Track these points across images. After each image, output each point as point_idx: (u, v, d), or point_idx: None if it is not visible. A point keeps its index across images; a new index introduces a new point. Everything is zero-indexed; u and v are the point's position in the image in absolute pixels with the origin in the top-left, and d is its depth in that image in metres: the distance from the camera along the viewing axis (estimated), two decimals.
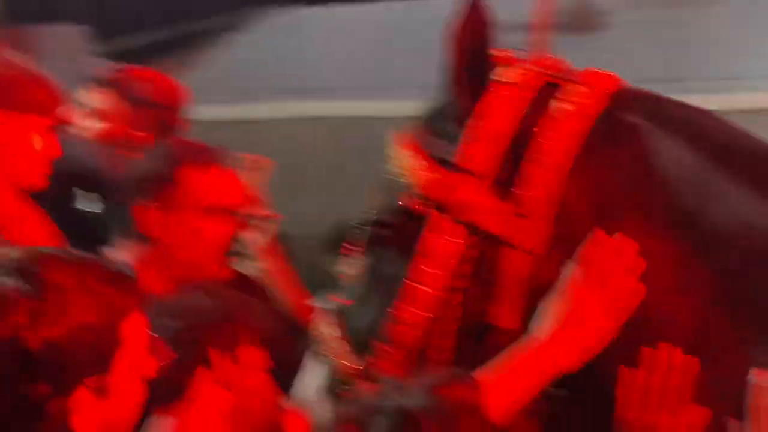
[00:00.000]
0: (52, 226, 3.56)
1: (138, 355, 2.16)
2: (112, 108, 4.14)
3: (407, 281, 2.46)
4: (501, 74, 2.43)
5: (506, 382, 2.35)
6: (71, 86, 4.04)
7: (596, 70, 2.47)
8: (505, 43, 2.50)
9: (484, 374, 2.32)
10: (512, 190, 2.39)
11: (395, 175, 2.51)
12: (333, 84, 7.42)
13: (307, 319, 3.62)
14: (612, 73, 2.47)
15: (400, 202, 2.49)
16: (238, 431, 2.31)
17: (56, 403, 2.02)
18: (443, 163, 2.43)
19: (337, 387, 2.52)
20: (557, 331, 2.33)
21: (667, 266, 2.37)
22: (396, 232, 2.52)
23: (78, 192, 3.97)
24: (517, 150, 2.40)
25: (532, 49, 2.70)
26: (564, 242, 2.40)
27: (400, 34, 7.43)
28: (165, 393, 2.45)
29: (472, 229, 2.40)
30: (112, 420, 2.14)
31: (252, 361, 2.40)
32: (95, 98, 4.23)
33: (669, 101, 2.52)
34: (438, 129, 2.51)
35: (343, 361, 2.54)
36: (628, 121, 2.43)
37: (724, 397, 2.28)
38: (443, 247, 2.42)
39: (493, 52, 2.46)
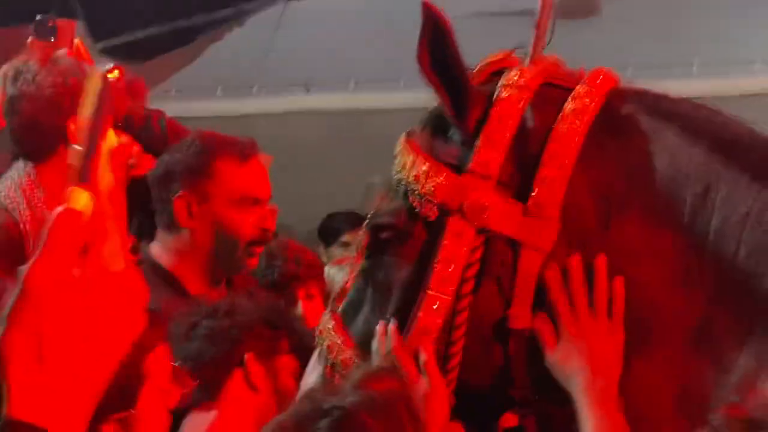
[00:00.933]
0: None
1: (162, 386, 2.21)
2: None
3: (428, 289, 2.39)
4: (507, 78, 2.41)
5: None
6: None
7: (595, 68, 2.45)
8: (509, 32, 2.53)
9: None
10: (521, 190, 2.37)
11: (400, 179, 2.45)
12: (321, 76, 7.31)
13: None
14: (609, 70, 2.45)
15: (407, 207, 2.43)
16: None
17: None
18: (452, 167, 2.39)
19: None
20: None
21: (669, 260, 2.34)
22: (402, 237, 2.47)
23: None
24: (523, 151, 2.38)
25: (534, 42, 2.51)
26: (572, 235, 2.37)
27: (385, 24, 7.26)
28: (201, 391, 2.53)
29: (484, 231, 2.36)
30: None
31: (285, 367, 2.44)
32: None
33: (666, 97, 2.49)
34: (442, 133, 2.48)
35: (344, 364, 2.46)
36: (628, 117, 2.40)
37: (726, 389, 2.24)
38: (460, 252, 2.36)
39: (496, 56, 2.48)
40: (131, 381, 2.12)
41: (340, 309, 2.60)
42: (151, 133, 4.14)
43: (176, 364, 2.40)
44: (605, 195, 2.39)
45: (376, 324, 2.49)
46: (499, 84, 2.41)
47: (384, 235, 2.50)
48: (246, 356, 2.68)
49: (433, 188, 2.39)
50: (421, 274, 2.43)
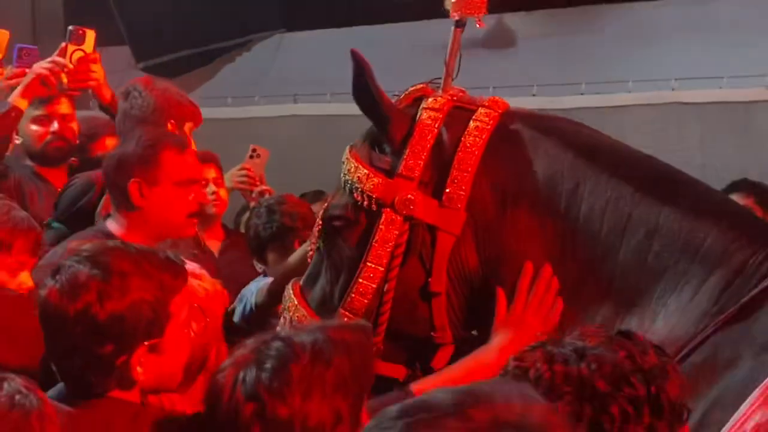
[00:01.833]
0: None
1: (184, 323, 2.24)
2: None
3: (366, 263, 2.51)
4: (427, 103, 2.57)
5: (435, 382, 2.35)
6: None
7: (492, 97, 2.62)
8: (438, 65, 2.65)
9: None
10: (437, 188, 2.52)
11: (347, 180, 2.56)
12: (313, 90, 7.32)
13: None
14: (501, 99, 2.62)
15: (352, 202, 2.55)
16: None
17: (121, 359, 2.12)
18: (385, 172, 2.53)
19: None
20: (504, 350, 2.37)
21: (547, 239, 2.49)
22: (347, 224, 2.58)
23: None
24: (439, 159, 2.52)
25: (445, 76, 2.67)
26: (477, 225, 2.52)
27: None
28: None
29: (410, 219, 2.49)
30: (165, 371, 2.21)
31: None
32: None
33: (546, 116, 2.70)
34: (377, 145, 2.60)
35: (299, 321, 2.58)
36: (517, 133, 2.55)
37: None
38: (391, 235, 2.49)
39: (416, 86, 2.64)
40: (160, 316, 2.15)
41: (302, 280, 2.70)
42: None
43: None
44: (501, 191, 2.52)
45: (330, 290, 2.61)
46: (421, 107, 2.54)
47: (336, 223, 2.59)
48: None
49: (372, 187, 2.50)
50: (362, 252, 2.53)
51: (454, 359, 2.58)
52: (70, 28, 4.08)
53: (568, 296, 2.48)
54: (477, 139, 2.51)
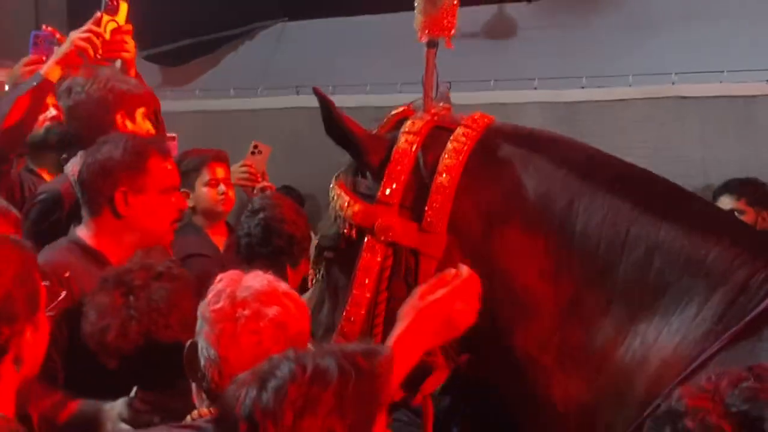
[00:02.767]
0: None
1: (44, 295, 2.26)
2: None
3: (352, 290, 2.49)
4: (405, 126, 2.55)
5: None
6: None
7: (474, 113, 2.57)
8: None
9: None
10: (417, 212, 2.49)
11: (333, 207, 2.58)
12: (315, 82, 7.35)
13: None
14: (485, 114, 2.58)
15: (338, 231, 2.56)
16: None
17: (14, 340, 2.13)
18: (366, 198, 2.53)
19: None
20: (398, 341, 2.30)
21: (540, 256, 2.43)
22: (337, 253, 2.59)
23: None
24: (418, 182, 2.50)
25: (424, 97, 2.68)
26: (464, 246, 2.49)
27: (355, 44, 7.45)
28: None
29: (392, 244, 2.47)
30: (41, 347, 2.24)
31: None
32: None
33: (534, 132, 2.62)
34: (360, 173, 2.59)
35: None
36: (502, 150, 2.51)
37: (594, 352, 2.36)
38: (373, 261, 2.47)
39: (398, 109, 2.63)
40: (35, 292, 2.19)
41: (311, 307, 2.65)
42: None
43: None
44: (486, 212, 2.47)
45: (332, 318, 2.59)
46: (400, 131, 2.54)
47: (326, 253, 2.61)
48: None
49: (352, 214, 2.50)
50: (350, 279, 2.52)
51: None
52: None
53: (565, 313, 2.42)
54: (455, 161, 2.47)
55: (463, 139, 2.49)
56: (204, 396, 2.21)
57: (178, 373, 2.58)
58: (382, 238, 2.47)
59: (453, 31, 2.68)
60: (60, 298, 2.96)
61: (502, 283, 2.46)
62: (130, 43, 4.02)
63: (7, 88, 4.39)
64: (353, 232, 2.51)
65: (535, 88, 6.91)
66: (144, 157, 3.35)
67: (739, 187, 5.35)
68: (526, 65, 7.01)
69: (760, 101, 6.51)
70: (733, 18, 6.84)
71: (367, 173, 2.57)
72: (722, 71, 6.62)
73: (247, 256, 4.10)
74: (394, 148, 2.52)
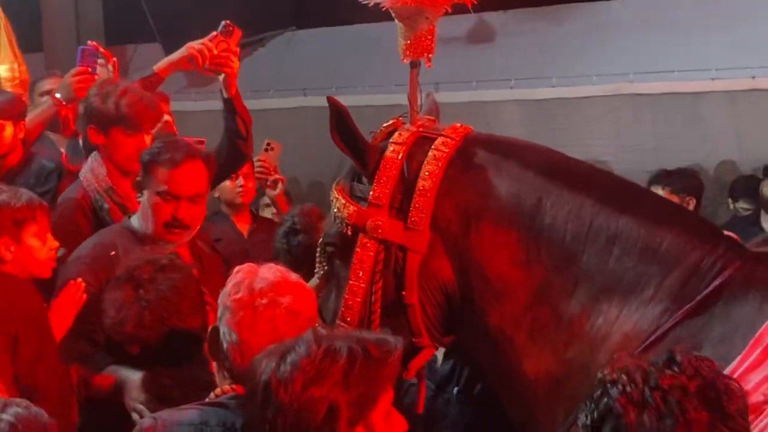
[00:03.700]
0: None
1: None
2: None
3: (349, 281, 2.49)
4: (393, 137, 2.53)
5: None
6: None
7: (453, 125, 2.56)
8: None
9: None
10: (404, 213, 2.47)
11: (333, 209, 2.57)
12: (321, 84, 7.15)
13: None
14: (463, 125, 2.57)
15: (338, 229, 2.55)
16: None
17: None
18: (360, 200, 2.52)
19: None
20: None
21: (512, 247, 2.42)
22: (338, 249, 2.57)
23: None
24: (405, 186, 2.48)
25: (410, 109, 2.63)
26: (446, 241, 2.47)
27: (356, 49, 7.43)
28: None
29: (382, 241, 2.46)
30: None
31: None
32: None
33: (504, 140, 2.62)
34: (357, 178, 2.57)
35: None
36: (479, 156, 2.50)
37: (561, 329, 2.36)
38: (366, 256, 2.47)
39: (389, 122, 2.60)
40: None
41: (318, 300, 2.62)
42: None
43: None
44: (464, 211, 2.45)
45: (335, 305, 2.56)
46: (389, 141, 2.53)
47: (329, 249, 2.60)
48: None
49: (347, 215, 2.49)
50: (348, 271, 2.50)
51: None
52: (224, 22, 3.97)
53: (537, 296, 2.40)
54: (435, 167, 2.45)
55: (443, 148, 2.48)
56: (226, 374, 2.18)
57: (190, 351, 2.70)
58: (374, 235, 2.46)
59: (433, 51, 2.65)
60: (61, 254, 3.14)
61: (479, 271, 2.45)
62: (235, 63, 3.93)
63: (58, 95, 4.34)
64: (349, 231, 2.50)
65: (512, 87, 6.90)
66: (150, 159, 3.33)
67: (664, 177, 5.36)
68: (503, 67, 7.02)
69: (704, 97, 6.53)
70: (682, 25, 6.86)
71: (363, 179, 2.56)
72: (673, 71, 6.64)
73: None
74: (383, 157, 2.51)
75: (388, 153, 2.51)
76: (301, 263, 3.72)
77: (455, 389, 3.11)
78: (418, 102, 2.64)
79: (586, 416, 1.75)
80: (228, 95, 3.92)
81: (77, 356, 2.99)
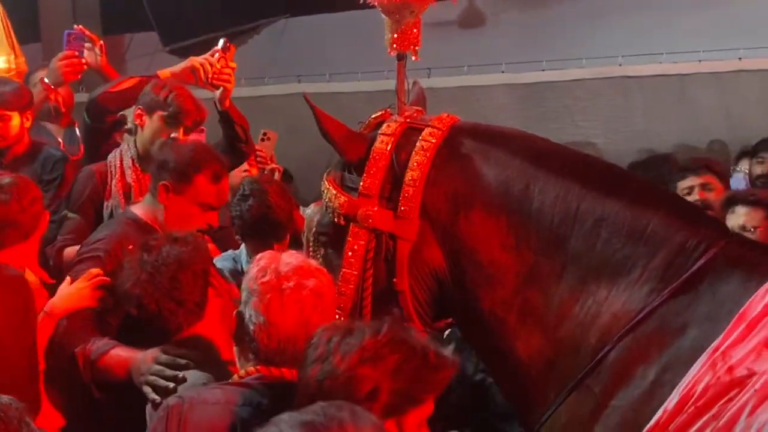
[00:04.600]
0: None
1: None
2: None
3: (342, 269, 2.48)
4: (382, 128, 2.52)
5: None
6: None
7: (440, 115, 2.54)
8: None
9: None
10: (394, 202, 2.46)
11: (325, 199, 2.56)
12: (314, 71, 7.21)
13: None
14: (450, 114, 2.55)
15: (330, 219, 2.55)
16: None
17: None
18: (351, 191, 2.51)
19: None
20: None
21: (502, 232, 2.42)
22: (330, 238, 2.59)
23: None
24: (394, 177, 2.47)
25: (398, 102, 2.61)
26: (436, 228, 2.47)
27: (348, 36, 7.24)
28: None
29: (373, 230, 2.46)
30: None
31: None
32: None
33: (490, 128, 2.61)
34: (347, 169, 2.56)
35: None
36: (466, 145, 2.49)
37: (552, 310, 2.36)
38: (358, 245, 2.47)
39: (378, 113, 2.58)
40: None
41: None
42: None
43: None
44: (453, 199, 2.45)
45: None
46: (378, 133, 2.51)
47: (322, 238, 2.66)
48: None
49: (338, 205, 2.48)
50: (341, 260, 2.49)
51: None
52: (222, 40, 4.02)
53: (528, 279, 2.40)
54: (423, 157, 2.45)
55: (430, 138, 2.48)
56: (251, 356, 2.19)
57: (184, 322, 2.78)
58: (364, 225, 2.46)
59: (419, 44, 2.62)
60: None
61: (469, 257, 2.45)
62: (233, 80, 4.00)
63: (47, 80, 4.39)
64: (341, 220, 2.50)
65: (502, 72, 6.89)
66: (194, 170, 3.32)
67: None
68: (493, 51, 6.99)
69: (691, 78, 6.54)
70: (670, 9, 6.85)
71: (353, 170, 2.56)
72: (661, 53, 6.66)
73: (241, 235, 3.96)
74: (372, 148, 2.50)
75: (377, 144, 2.50)
76: (252, 228, 3.85)
77: None
78: (407, 92, 2.62)
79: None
80: (223, 108, 3.98)
81: (84, 340, 3.02)
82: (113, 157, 3.85)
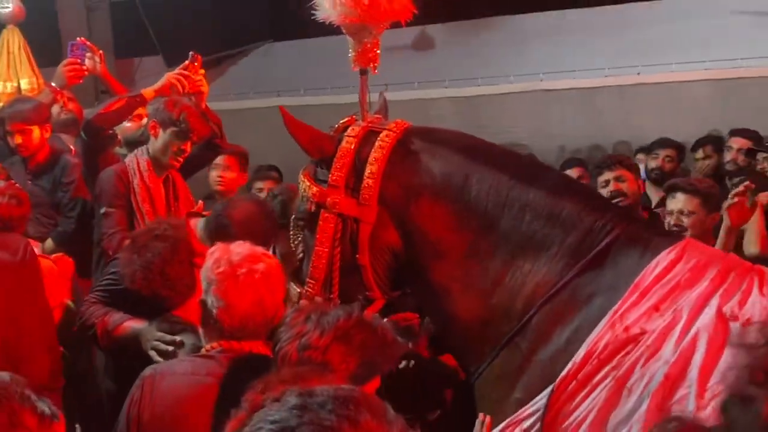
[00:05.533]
0: None
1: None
2: None
3: (315, 247, 2.49)
4: (348, 131, 2.53)
5: None
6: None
7: (395, 120, 2.54)
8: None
9: None
10: (356, 192, 2.46)
11: (301, 190, 2.55)
12: (286, 86, 7.10)
13: None
14: (404, 120, 2.55)
15: (305, 206, 2.54)
16: None
17: None
18: (322, 183, 2.51)
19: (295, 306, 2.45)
20: None
21: (446, 216, 2.41)
22: (306, 222, 2.56)
23: None
24: (357, 170, 2.47)
25: (360, 110, 2.58)
26: (392, 213, 2.46)
27: (321, 56, 7.05)
28: None
29: (340, 215, 2.46)
30: None
31: None
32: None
33: (438, 130, 2.61)
34: (318, 164, 2.56)
35: (298, 291, 2.56)
36: (416, 144, 2.48)
37: (488, 280, 2.34)
38: (327, 227, 2.47)
39: (345, 119, 2.57)
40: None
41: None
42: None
43: None
44: (406, 188, 2.44)
45: (307, 268, 2.54)
46: (344, 135, 2.52)
47: (299, 223, 2.58)
48: None
49: (311, 195, 2.48)
50: (314, 241, 2.50)
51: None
52: (191, 53, 3.98)
53: (468, 255, 2.39)
54: (380, 154, 2.44)
55: (387, 139, 2.47)
56: (214, 335, 2.16)
57: (175, 301, 2.77)
58: (333, 210, 2.45)
59: (377, 61, 2.61)
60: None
61: (420, 236, 2.44)
62: (205, 84, 4.02)
63: (53, 83, 4.39)
64: (313, 207, 2.49)
65: (446, 87, 6.88)
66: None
67: (576, 161, 5.44)
68: (439, 70, 6.97)
69: (599, 91, 6.56)
70: (582, 33, 6.86)
71: (324, 165, 2.54)
72: (574, 71, 6.65)
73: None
74: (339, 147, 2.49)
75: (343, 144, 2.49)
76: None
77: None
78: (367, 102, 2.60)
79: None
80: (200, 110, 3.97)
81: (103, 313, 3.00)
82: (131, 161, 3.79)
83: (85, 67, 4.30)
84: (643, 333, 2.11)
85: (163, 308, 2.88)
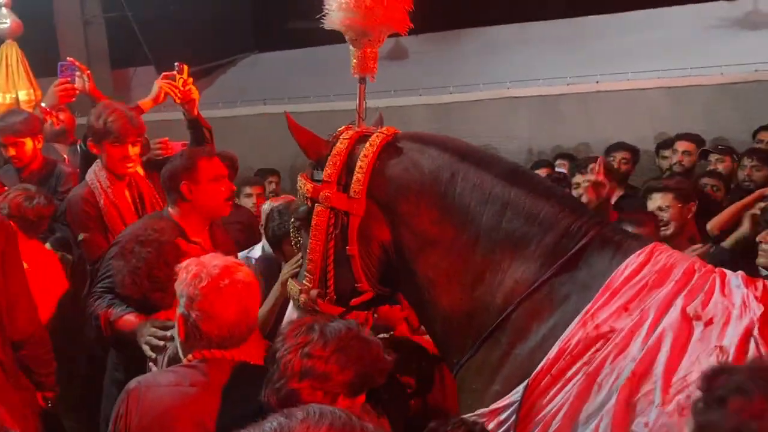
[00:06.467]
0: None
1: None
2: None
3: (310, 242, 2.44)
4: (342, 135, 2.47)
5: None
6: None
7: (386, 126, 2.49)
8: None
9: None
10: (347, 187, 2.40)
11: (299, 188, 2.50)
12: (272, 95, 7.04)
13: None
14: (392, 128, 2.49)
15: (303, 205, 2.48)
16: None
17: None
18: (317, 181, 2.46)
19: (296, 302, 2.49)
20: None
21: (432, 211, 2.34)
22: (302, 222, 2.51)
23: None
24: (348, 168, 2.41)
25: (357, 118, 2.54)
26: (381, 206, 2.40)
27: (306, 67, 7.31)
28: None
29: (332, 209, 2.40)
30: None
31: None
32: None
33: (425, 134, 2.54)
34: (315, 166, 2.50)
35: (298, 288, 2.50)
36: (405, 144, 2.43)
37: (469, 274, 2.28)
38: (320, 221, 2.41)
39: (343, 128, 2.50)
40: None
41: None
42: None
43: None
44: (395, 182, 2.38)
45: (305, 263, 2.48)
46: (340, 137, 2.46)
47: (297, 223, 2.55)
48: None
49: (306, 191, 2.44)
50: (309, 236, 2.44)
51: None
52: (177, 63, 3.86)
53: (448, 247, 2.33)
54: (369, 152, 2.39)
55: (376, 140, 2.43)
56: (200, 345, 2.06)
57: (165, 302, 2.69)
58: (325, 204, 2.41)
59: (374, 71, 2.59)
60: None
61: (407, 229, 2.38)
62: (195, 91, 3.87)
63: (43, 104, 4.26)
64: (308, 202, 2.45)
65: (420, 95, 6.86)
66: (194, 159, 3.22)
67: (545, 162, 5.48)
68: (414, 79, 6.94)
69: (562, 98, 6.57)
70: (546, 44, 6.89)
71: (319, 167, 2.49)
72: (539, 79, 6.64)
73: (276, 243, 3.42)
74: (334, 148, 2.45)
75: (337, 145, 2.44)
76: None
77: None
78: (364, 109, 2.55)
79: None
80: (192, 116, 3.85)
81: (107, 306, 2.98)
82: (92, 180, 3.60)
83: (75, 86, 4.17)
84: (612, 331, 2.08)
85: (156, 309, 2.82)
